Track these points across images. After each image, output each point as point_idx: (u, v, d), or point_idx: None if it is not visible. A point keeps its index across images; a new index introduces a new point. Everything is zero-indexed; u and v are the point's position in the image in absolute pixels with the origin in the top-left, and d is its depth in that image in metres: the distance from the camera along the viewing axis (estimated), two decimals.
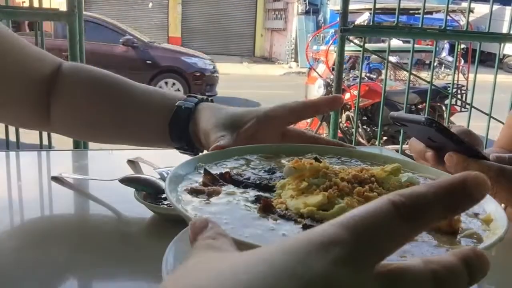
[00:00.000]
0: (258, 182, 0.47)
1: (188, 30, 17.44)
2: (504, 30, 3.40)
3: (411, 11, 8.76)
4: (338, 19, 2.78)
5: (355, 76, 5.70)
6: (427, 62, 9.92)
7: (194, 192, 0.44)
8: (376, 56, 5.80)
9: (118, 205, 0.81)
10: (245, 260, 0.24)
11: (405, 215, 0.25)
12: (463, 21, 7.07)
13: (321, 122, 5.22)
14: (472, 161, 0.65)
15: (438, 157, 0.68)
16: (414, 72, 3.76)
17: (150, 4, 16.61)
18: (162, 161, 0.91)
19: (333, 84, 2.85)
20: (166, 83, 7.94)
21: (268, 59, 17.44)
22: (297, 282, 0.22)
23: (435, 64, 5.69)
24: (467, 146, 0.65)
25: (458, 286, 0.25)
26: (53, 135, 2.26)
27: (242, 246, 0.32)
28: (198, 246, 0.28)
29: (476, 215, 0.43)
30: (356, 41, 2.97)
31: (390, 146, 4.50)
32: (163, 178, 0.81)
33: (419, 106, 5.56)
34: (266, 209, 0.41)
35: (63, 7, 2.23)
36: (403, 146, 3.01)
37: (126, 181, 0.80)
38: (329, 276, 0.22)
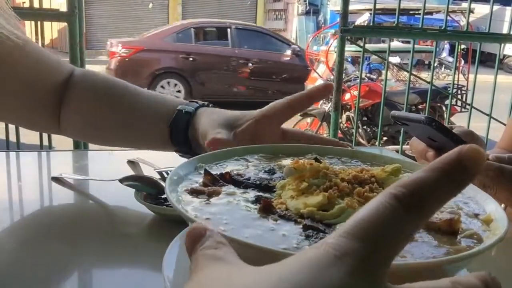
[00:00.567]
0: (258, 182, 0.47)
1: None
2: (504, 30, 3.41)
3: (411, 12, 8.78)
4: (338, 19, 2.78)
5: (356, 76, 5.70)
6: (427, 62, 9.93)
7: (194, 192, 0.44)
8: (376, 57, 5.80)
9: (118, 205, 0.81)
10: (266, 280, 0.24)
11: (409, 205, 0.25)
12: (463, 22, 7.07)
13: (321, 122, 5.23)
14: None
15: (439, 156, 0.68)
16: (414, 73, 3.76)
17: (151, 5, 16.60)
18: (162, 161, 0.91)
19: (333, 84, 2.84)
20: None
21: None
22: None
23: (435, 64, 5.70)
24: None
25: None
26: (53, 135, 2.26)
27: (242, 246, 0.32)
28: (199, 257, 0.28)
29: (476, 215, 0.43)
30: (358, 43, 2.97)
31: (390, 147, 4.50)
32: (163, 179, 0.81)
33: (420, 107, 5.57)
34: (266, 209, 0.41)
35: (64, 8, 2.23)
36: (403, 146, 3.01)
37: (126, 181, 0.80)
38: None
